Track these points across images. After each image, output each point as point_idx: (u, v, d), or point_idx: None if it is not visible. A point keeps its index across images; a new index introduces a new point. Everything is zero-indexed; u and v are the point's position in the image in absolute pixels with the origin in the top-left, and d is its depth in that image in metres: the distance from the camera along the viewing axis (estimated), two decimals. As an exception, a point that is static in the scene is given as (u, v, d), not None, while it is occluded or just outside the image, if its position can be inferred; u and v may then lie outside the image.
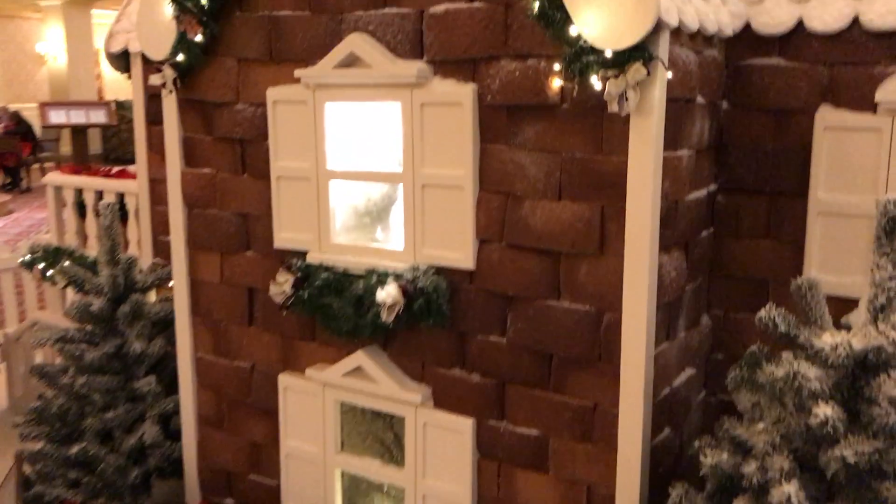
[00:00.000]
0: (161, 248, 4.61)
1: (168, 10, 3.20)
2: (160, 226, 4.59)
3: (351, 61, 2.92)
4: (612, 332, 2.62)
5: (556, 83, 2.55)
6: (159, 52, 3.28)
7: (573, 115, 2.57)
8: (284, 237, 3.24)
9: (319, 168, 3.08)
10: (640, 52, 2.34)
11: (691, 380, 2.99)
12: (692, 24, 2.53)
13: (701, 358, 3.08)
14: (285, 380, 3.36)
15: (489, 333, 2.86)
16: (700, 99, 2.76)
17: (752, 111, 2.91)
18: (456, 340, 2.93)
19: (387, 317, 2.85)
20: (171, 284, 3.77)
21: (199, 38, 3.20)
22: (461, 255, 2.84)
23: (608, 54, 2.35)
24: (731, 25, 2.84)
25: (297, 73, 3.03)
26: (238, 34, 3.21)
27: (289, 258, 3.20)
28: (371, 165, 3.06)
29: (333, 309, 3.06)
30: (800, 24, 2.78)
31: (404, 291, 2.82)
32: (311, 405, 3.29)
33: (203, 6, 3.15)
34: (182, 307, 3.61)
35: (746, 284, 3.01)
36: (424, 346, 3.01)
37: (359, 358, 3.09)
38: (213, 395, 3.64)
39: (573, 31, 2.41)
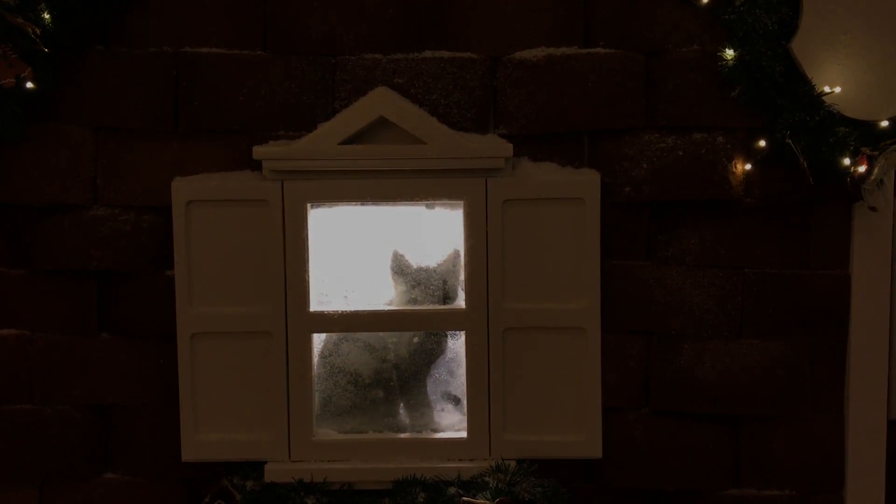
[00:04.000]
0: None
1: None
2: None
3: (367, 132, 1.74)
4: (827, 524, 1.82)
5: (741, 168, 1.74)
6: (-70, 109, 1.68)
7: (762, 214, 1.77)
8: (207, 441, 1.81)
9: (292, 314, 1.77)
10: (909, 123, 1.66)
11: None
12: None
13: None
14: None
15: (621, 553, 1.84)
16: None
17: None
18: (555, 573, 1.84)
19: (491, 563, 1.66)
20: None
21: (29, 84, 1.70)
22: (579, 436, 1.79)
23: (884, 124, 1.63)
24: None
25: (260, 151, 1.73)
26: (100, 84, 1.78)
27: (223, 479, 1.79)
28: (387, 302, 1.86)
29: (336, 559, 1.75)
30: None
31: (516, 513, 1.68)
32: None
33: (45, 27, 1.68)
34: None
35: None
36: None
37: None
38: None
39: (806, 92, 1.64)
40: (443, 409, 1.89)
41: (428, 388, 1.89)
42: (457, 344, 1.86)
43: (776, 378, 1.79)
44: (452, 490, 1.75)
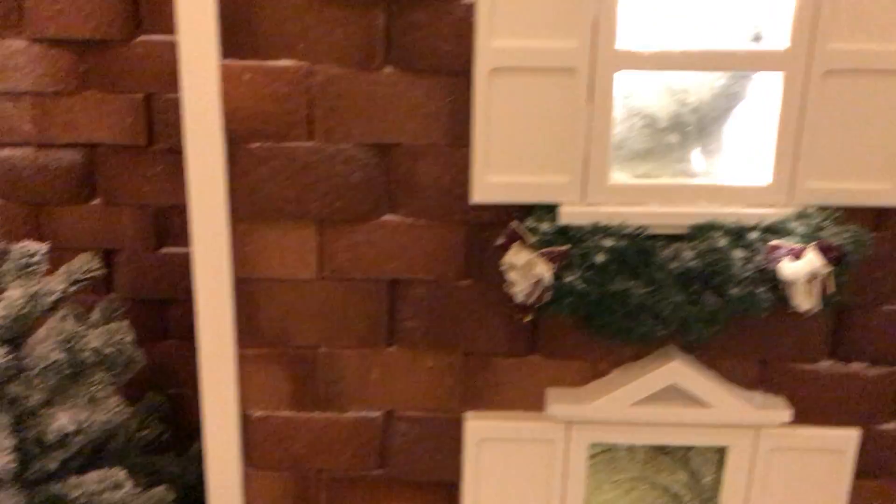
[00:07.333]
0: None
1: None
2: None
3: None
4: None
5: None
6: None
7: None
8: (500, 183, 1.76)
9: (598, 50, 1.66)
10: None
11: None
12: None
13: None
14: (481, 426, 1.93)
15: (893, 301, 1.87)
16: None
17: None
18: (827, 319, 1.87)
19: (807, 302, 1.68)
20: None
21: None
22: (883, 184, 1.76)
23: None
24: None
25: None
26: None
27: (513, 221, 1.75)
28: (694, 41, 1.74)
29: (632, 299, 1.75)
30: None
31: (836, 256, 1.67)
32: (535, 459, 1.95)
33: None
34: (216, 332, 1.87)
35: None
36: (766, 335, 1.88)
37: (672, 372, 1.84)
38: (288, 479, 2.00)
39: None
40: (737, 156, 1.84)
41: (725, 134, 1.83)
42: (758, 88, 1.78)
43: None
44: (754, 235, 1.74)
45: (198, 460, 2.49)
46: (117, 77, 2.35)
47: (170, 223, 2.49)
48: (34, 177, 2.44)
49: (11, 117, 2.38)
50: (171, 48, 2.30)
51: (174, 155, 2.40)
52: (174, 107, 2.37)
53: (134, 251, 2.51)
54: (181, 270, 2.52)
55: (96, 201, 2.47)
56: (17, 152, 2.42)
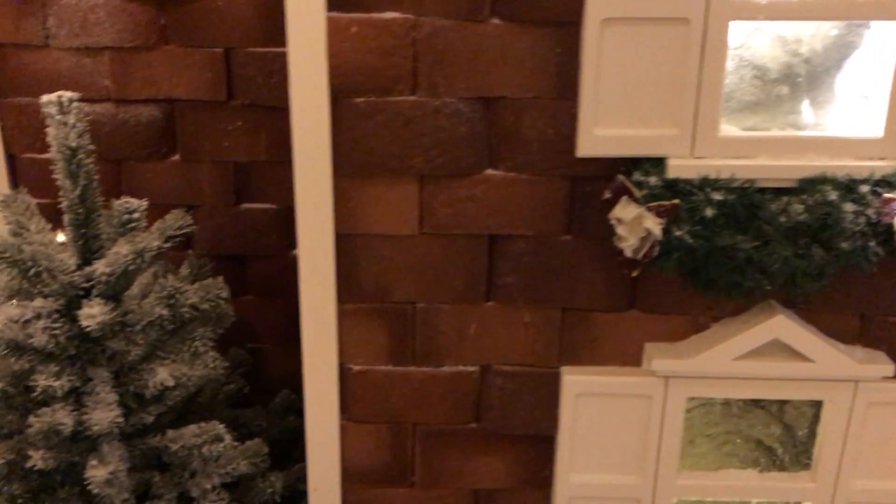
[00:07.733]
0: (26, 173, 2.55)
1: None
2: (17, 134, 2.52)
3: None
4: None
5: None
6: None
7: None
8: (606, 136, 1.73)
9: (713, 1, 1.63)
10: None
11: None
12: None
13: None
14: (578, 381, 1.94)
15: None
16: None
17: None
18: (932, 272, 1.86)
19: (926, 256, 1.67)
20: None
21: None
22: None
23: None
24: None
25: None
26: None
27: (619, 175, 1.73)
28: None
29: (740, 254, 1.74)
30: None
31: (955, 209, 1.65)
32: (631, 414, 1.95)
33: None
34: (317, 287, 1.87)
35: None
36: (867, 289, 1.87)
37: (777, 326, 1.83)
38: (384, 431, 2.02)
39: None
40: (848, 107, 1.81)
41: (837, 85, 1.80)
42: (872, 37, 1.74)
43: None
44: (865, 188, 1.71)
45: (280, 414, 2.53)
46: (197, 31, 2.33)
47: (249, 179, 2.48)
48: (113, 133, 2.43)
49: (91, 73, 2.37)
50: (251, 1, 2.29)
51: (254, 110, 2.40)
52: (254, 61, 2.35)
53: (213, 207, 2.51)
54: (260, 226, 2.54)
55: (175, 157, 2.47)
56: (96, 108, 2.41)
